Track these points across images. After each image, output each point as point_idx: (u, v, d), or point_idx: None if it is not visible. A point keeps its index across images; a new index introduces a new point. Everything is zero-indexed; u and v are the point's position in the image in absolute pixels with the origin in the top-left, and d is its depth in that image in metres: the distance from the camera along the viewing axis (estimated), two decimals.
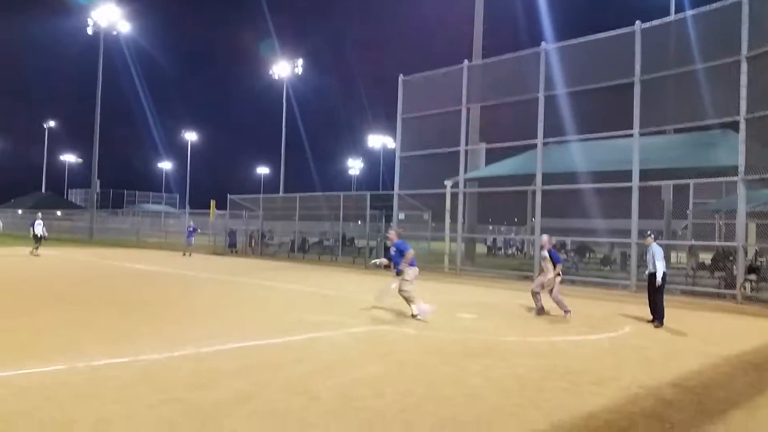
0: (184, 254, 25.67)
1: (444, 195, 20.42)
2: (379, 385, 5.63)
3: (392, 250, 10.16)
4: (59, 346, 6.85)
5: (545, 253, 10.60)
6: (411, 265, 9.85)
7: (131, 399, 4.95)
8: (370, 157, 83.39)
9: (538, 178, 17.58)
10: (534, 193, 17.86)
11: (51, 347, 6.80)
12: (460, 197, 19.98)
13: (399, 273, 9.82)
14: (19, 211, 49.75)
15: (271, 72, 50.99)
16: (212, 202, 35.16)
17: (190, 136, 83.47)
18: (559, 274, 10.32)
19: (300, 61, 50.81)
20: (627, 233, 16.00)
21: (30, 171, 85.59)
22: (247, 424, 4.45)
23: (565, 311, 10.24)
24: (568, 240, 22.63)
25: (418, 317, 9.46)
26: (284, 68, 50.10)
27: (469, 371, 6.30)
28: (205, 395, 5.13)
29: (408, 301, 9.65)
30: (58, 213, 25.30)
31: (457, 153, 19.69)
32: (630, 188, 15.44)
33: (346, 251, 25.25)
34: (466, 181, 20.08)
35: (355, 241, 26.70)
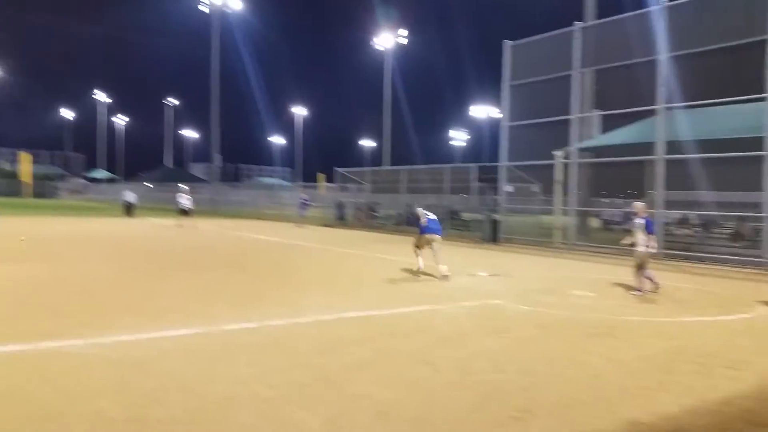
0: (298, 225, 26.89)
1: (553, 166, 19.75)
2: (498, 360, 5.66)
3: (639, 223, 9.81)
4: (195, 311, 7.51)
5: (640, 221, 9.84)
6: None
7: (263, 362, 5.35)
8: (473, 128, 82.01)
9: (660, 147, 16.47)
10: (653, 163, 16.79)
11: (188, 311, 7.47)
12: (573, 168, 19.22)
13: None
14: (149, 184, 54.29)
15: (373, 43, 51.24)
16: (321, 176, 36.37)
17: (300, 111, 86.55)
18: (650, 247, 9.61)
19: (402, 32, 50.60)
20: (758, 206, 14.66)
21: (154, 147, 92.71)
22: (374, 389, 4.66)
23: (639, 289, 9.58)
24: (693, 213, 21.10)
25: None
26: (387, 39, 50.14)
27: (590, 351, 6.15)
28: (331, 361, 5.43)
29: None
30: (182, 186, 27.75)
31: (567, 122, 18.88)
32: (762, 157, 14.08)
33: (452, 224, 25.24)
34: (578, 150, 19.27)
35: (462, 215, 26.59)
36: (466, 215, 25.65)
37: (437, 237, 11.12)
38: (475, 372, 5.23)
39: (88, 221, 27.74)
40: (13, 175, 67.48)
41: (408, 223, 23.54)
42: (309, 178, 57.60)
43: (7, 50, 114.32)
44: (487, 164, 24.99)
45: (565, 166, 19.37)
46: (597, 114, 19.70)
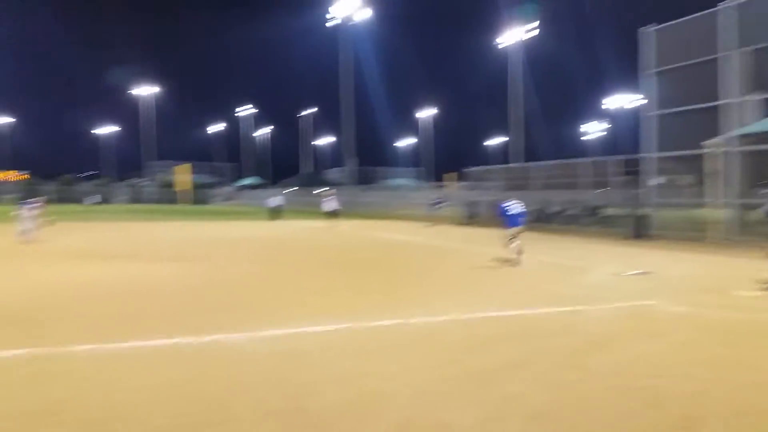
0: (429, 225, 27.15)
1: (704, 156, 18.10)
2: (656, 364, 5.34)
3: None
4: (341, 307, 7.89)
5: None
6: None
7: (412, 359, 5.49)
8: (608, 120, 77.37)
9: None
10: None
11: (334, 308, 7.87)
12: (731, 157, 17.47)
13: None
14: (291, 189, 57.75)
15: (500, 38, 50.25)
16: (449, 175, 36.35)
17: (428, 111, 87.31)
18: None
19: (532, 24, 49.06)
20: None
21: (290, 154, 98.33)
22: (526, 390, 4.60)
23: None
24: None
25: None
26: (516, 33, 48.91)
27: (761, 356, 5.59)
28: (481, 359, 5.46)
29: None
30: (326, 189, 29.70)
31: (715, 108, 17.20)
32: None
33: (591, 221, 24.06)
34: (736, 138, 17.47)
35: (602, 210, 25.24)
36: (607, 210, 24.33)
37: (520, 228, 12.59)
38: (631, 377, 4.98)
39: (238, 225, 30.13)
40: (171, 185, 75.20)
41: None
42: (438, 177, 57.98)
43: (164, 72, 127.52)
44: (631, 156, 23.46)
45: (723, 154, 17.67)
46: (759, 98, 17.75)
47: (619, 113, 70.54)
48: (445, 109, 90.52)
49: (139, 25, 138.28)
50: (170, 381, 4.80)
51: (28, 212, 17.32)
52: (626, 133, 61.16)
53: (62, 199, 64.13)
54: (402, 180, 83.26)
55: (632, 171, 21.83)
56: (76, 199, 62.68)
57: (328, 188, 28.27)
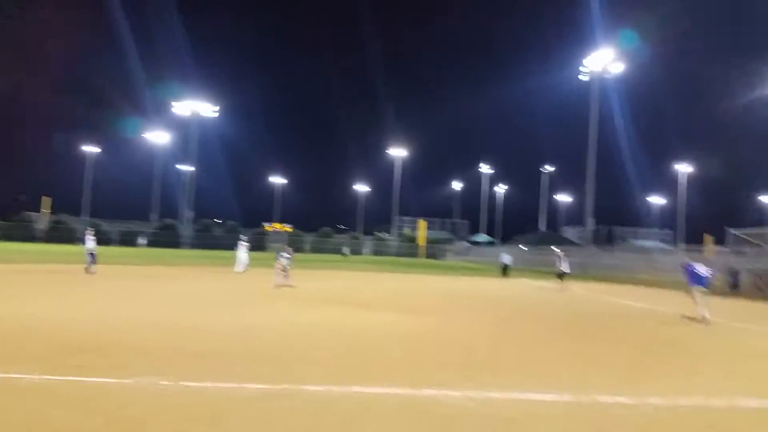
0: (684, 294, 24.11)
1: None
2: None
3: None
4: (567, 378, 7.43)
5: None
6: None
7: None
8: None
9: None
10: None
11: (560, 377, 7.44)
12: None
13: None
14: (524, 247, 56.90)
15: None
16: (708, 237, 32.17)
17: (683, 168, 79.58)
18: None
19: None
20: None
21: (530, 212, 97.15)
22: None
23: None
24: None
25: None
26: None
27: None
28: None
29: None
30: (555, 249, 28.61)
31: None
32: None
33: None
34: None
35: None
36: None
37: (703, 288, 14.07)
38: None
39: (469, 280, 30.63)
40: (413, 239, 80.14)
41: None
42: (697, 240, 51.60)
43: (414, 133, 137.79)
44: None
45: None
46: None
47: None
48: (704, 163, 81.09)
49: (396, 91, 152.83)
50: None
51: (284, 260, 19.79)
52: None
53: (318, 250, 73.13)
54: (650, 242, 76.26)
55: None
56: (334, 250, 70.86)
57: (559, 247, 27.15)
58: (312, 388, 6.28)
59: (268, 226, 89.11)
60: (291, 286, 18.89)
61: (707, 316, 13.65)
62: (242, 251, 26.99)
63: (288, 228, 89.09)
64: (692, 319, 14.00)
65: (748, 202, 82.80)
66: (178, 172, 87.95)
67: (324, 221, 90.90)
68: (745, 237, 29.63)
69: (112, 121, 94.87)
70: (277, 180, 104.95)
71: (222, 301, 14.73)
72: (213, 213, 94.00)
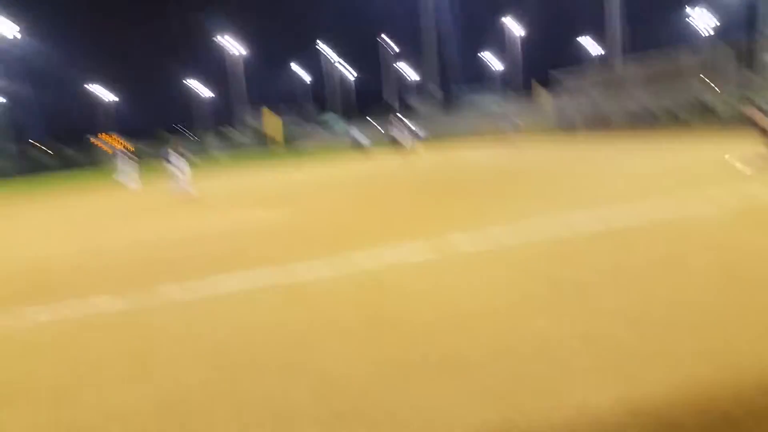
0: (507, 141, 25.77)
1: None
2: None
3: None
4: (426, 233, 8.00)
5: None
6: None
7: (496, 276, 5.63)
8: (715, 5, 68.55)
9: None
10: None
11: (418, 233, 7.98)
12: None
13: None
14: (374, 122, 57.40)
15: None
16: (536, 84, 34.21)
17: (510, 23, 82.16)
18: None
19: None
20: None
21: (375, 87, 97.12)
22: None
23: None
24: None
25: None
26: None
27: None
28: (572, 274, 5.43)
29: None
30: (398, 117, 30.23)
31: None
32: None
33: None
34: None
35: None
36: None
37: None
38: None
39: (330, 166, 30.64)
40: (263, 132, 77.04)
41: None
42: (528, 86, 55.19)
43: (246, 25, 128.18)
44: None
45: None
46: None
47: None
48: (529, 14, 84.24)
49: None
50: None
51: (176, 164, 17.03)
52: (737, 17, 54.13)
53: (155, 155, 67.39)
54: (484, 97, 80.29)
55: None
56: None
57: (398, 116, 27.60)
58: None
59: (96, 140, 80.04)
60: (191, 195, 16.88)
61: None
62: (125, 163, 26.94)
63: (117, 138, 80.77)
64: None
65: (570, 45, 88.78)
66: None
67: (162, 126, 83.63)
68: (565, 77, 32.29)
69: None
70: (99, 89, 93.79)
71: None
72: (34, 137, 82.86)
